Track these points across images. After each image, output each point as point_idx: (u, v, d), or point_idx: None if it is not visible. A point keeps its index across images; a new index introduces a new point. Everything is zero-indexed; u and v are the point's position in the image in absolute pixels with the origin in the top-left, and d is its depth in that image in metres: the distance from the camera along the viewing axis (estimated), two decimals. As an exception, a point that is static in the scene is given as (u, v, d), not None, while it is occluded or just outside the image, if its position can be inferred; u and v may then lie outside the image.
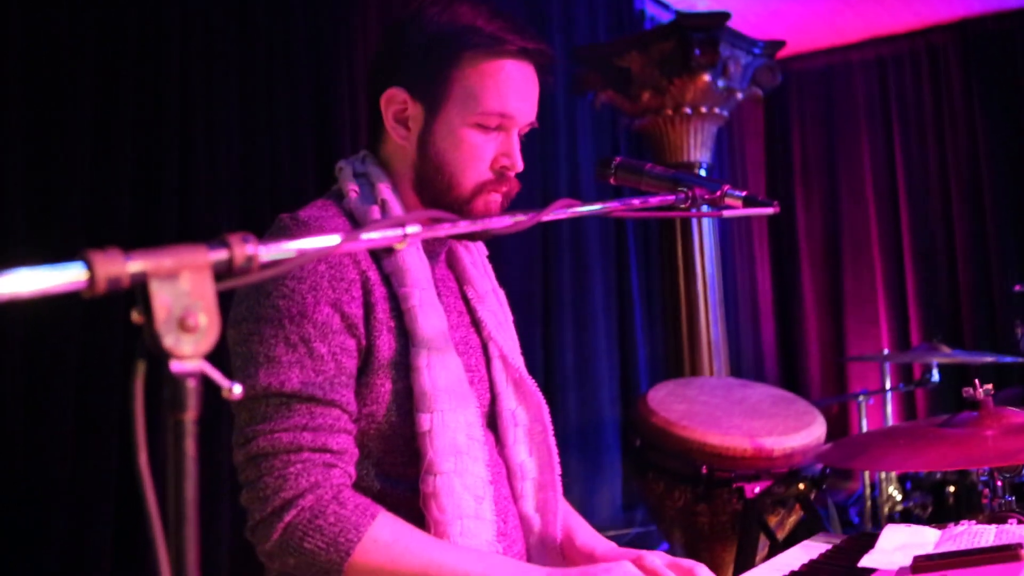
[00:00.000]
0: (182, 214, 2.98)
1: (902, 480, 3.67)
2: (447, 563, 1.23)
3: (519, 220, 0.97)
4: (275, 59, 3.31)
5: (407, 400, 1.32)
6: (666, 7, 5.44)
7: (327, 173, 3.35)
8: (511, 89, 1.37)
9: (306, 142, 3.37)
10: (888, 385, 4.01)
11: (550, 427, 1.51)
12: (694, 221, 3.95)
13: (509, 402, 1.47)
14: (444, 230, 0.88)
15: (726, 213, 1.23)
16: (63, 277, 0.63)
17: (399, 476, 1.35)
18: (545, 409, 1.51)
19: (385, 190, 1.40)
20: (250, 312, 1.28)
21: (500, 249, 1.62)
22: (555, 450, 1.51)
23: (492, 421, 1.48)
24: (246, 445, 1.25)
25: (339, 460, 1.27)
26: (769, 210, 1.23)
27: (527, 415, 1.49)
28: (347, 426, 1.29)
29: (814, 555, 1.59)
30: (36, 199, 2.64)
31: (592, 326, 4.73)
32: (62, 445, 2.63)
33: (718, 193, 1.24)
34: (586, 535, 1.57)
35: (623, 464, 4.88)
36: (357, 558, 1.21)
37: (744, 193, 1.25)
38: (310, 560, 1.22)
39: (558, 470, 1.51)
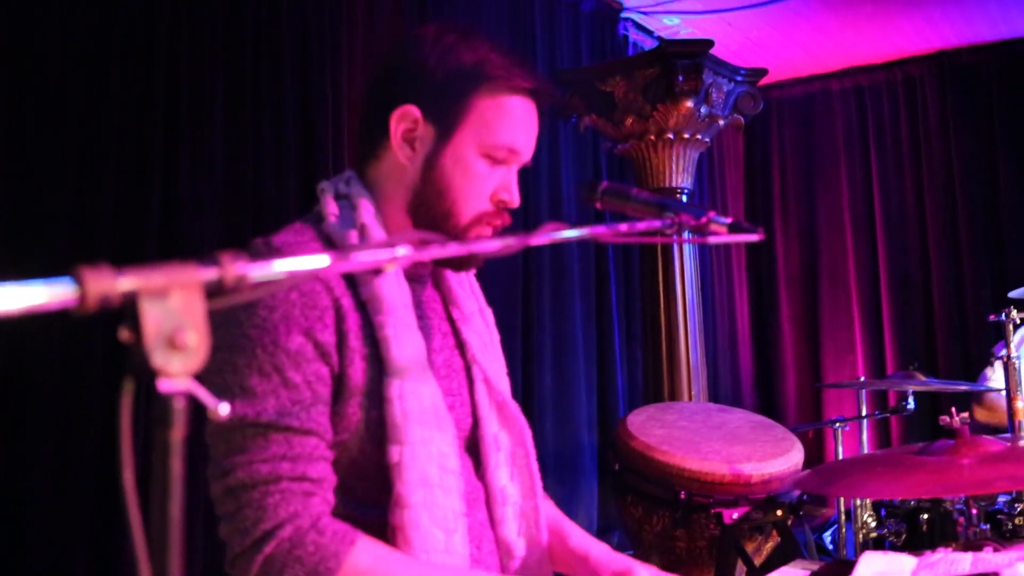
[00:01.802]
0: (164, 231, 2.97)
1: (876, 507, 3.68)
2: None
3: (508, 244, 0.97)
4: (260, 77, 3.31)
5: (379, 429, 1.31)
6: (649, 33, 5.49)
7: (310, 191, 3.33)
8: (521, 125, 1.40)
9: (289, 160, 3.37)
10: (864, 412, 4.03)
11: (533, 452, 1.51)
12: (675, 247, 3.96)
13: (491, 426, 1.47)
14: (433, 252, 0.88)
15: (711, 239, 1.24)
16: (53, 294, 0.62)
17: (372, 503, 1.33)
18: (528, 434, 1.51)
19: (366, 214, 1.38)
20: (222, 341, 1.25)
21: (480, 272, 1.63)
22: (538, 476, 1.51)
23: (473, 445, 1.47)
24: (224, 477, 1.24)
25: (318, 488, 1.26)
26: (754, 237, 1.24)
27: (510, 439, 1.48)
28: (324, 453, 1.28)
29: (792, 581, 1.60)
30: (18, 216, 2.62)
31: (571, 350, 4.73)
32: (40, 460, 2.59)
33: (704, 219, 1.25)
34: (579, 537, 1.56)
35: (600, 488, 4.87)
36: None
37: (730, 220, 1.25)
38: None
39: (541, 495, 1.51)
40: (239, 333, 1.25)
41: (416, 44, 1.42)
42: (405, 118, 1.39)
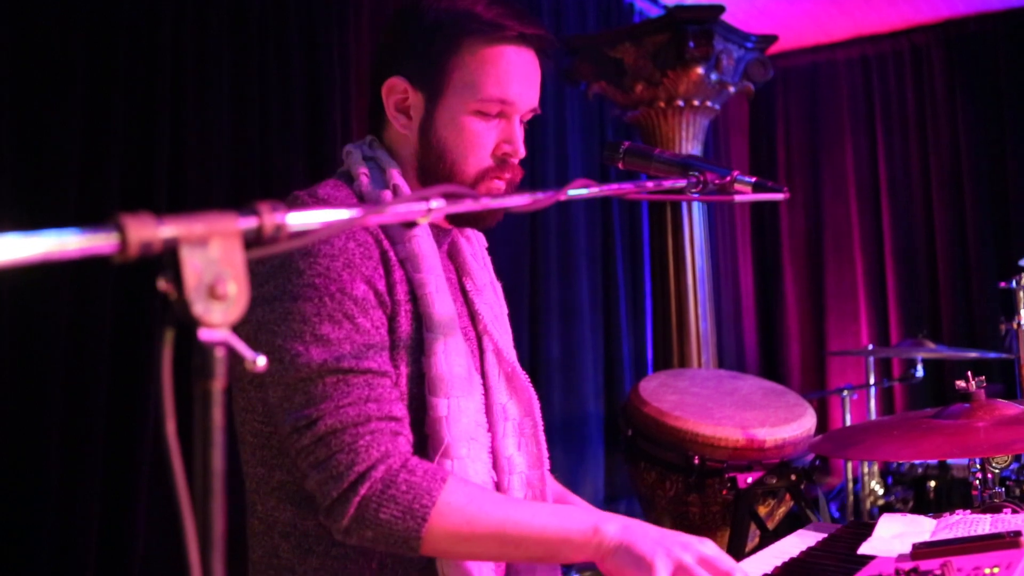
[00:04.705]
0: (171, 198, 2.96)
1: (884, 475, 3.70)
2: (523, 519, 1.23)
3: (538, 199, 0.97)
4: (268, 44, 3.29)
5: (418, 384, 1.33)
6: (655, 2, 5.44)
7: (317, 159, 3.33)
8: (511, 75, 1.38)
9: (297, 128, 3.34)
10: (872, 380, 4.04)
11: (540, 423, 1.52)
12: (684, 214, 3.95)
13: (500, 396, 1.48)
14: (466, 206, 0.87)
15: (737, 198, 1.23)
16: (95, 240, 0.62)
17: None
18: (536, 405, 1.52)
19: (396, 175, 1.41)
20: (283, 291, 1.27)
21: (488, 240, 1.63)
22: (544, 446, 1.52)
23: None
24: (312, 427, 1.24)
25: (403, 427, 1.28)
26: (779, 196, 1.23)
27: (518, 410, 1.50)
28: (400, 394, 1.31)
29: (811, 543, 1.60)
30: (26, 181, 2.61)
31: (578, 318, 4.73)
32: (50, 435, 2.59)
33: (728, 178, 1.24)
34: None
35: (606, 456, 4.89)
36: (434, 523, 1.21)
37: (754, 179, 1.25)
38: (387, 531, 1.21)
39: (547, 466, 1.52)
40: (302, 283, 1.26)
41: (400, 12, 1.43)
42: (393, 90, 1.41)
